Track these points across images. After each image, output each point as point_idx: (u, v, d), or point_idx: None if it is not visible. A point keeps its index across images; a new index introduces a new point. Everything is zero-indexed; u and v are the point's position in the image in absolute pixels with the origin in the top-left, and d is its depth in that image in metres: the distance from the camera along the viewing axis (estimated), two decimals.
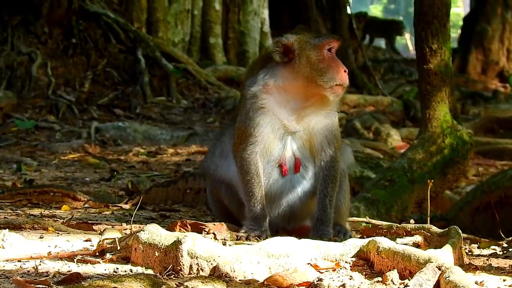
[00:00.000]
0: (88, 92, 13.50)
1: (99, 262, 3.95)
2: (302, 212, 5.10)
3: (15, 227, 4.82)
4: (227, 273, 3.76)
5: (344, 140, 7.06)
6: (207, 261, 3.80)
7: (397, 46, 29.99)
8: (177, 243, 3.82)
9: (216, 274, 3.75)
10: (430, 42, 6.36)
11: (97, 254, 4.09)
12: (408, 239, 4.43)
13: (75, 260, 3.98)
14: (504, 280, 3.75)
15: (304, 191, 5.04)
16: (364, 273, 3.88)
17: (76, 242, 4.48)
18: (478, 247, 5.31)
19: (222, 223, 4.94)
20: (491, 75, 22.88)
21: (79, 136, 11.50)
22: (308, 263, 3.93)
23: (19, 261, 3.95)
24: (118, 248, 4.10)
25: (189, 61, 15.17)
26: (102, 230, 4.62)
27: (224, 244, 4.40)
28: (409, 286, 3.55)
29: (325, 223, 4.95)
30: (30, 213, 5.77)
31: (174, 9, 16.54)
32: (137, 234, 4.00)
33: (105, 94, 13.62)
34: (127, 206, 6.33)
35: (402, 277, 3.73)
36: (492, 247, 5.26)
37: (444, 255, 3.80)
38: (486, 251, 5.12)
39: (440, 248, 3.91)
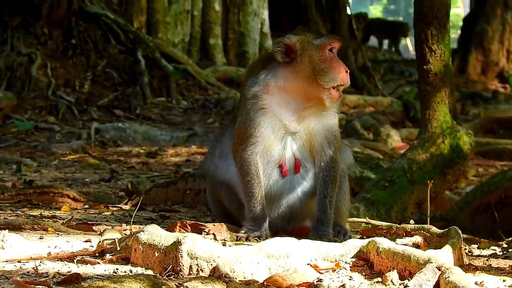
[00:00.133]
0: (88, 93, 13.50)
1: (99, 263, 3.95)
2: (302, 212, 5.10)
3: (15, 227, 4.82)
4: (227, 274, 3.76)
5: (344, 140, 7.06)
6: (207, 261, 3.80)
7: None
8: (177, 244, 3.82)
9: (216, 274, 3.75)
10: (430, 42, 6.36)
11: (97, 254, 4.09)
12: (408, 240, 4.43)
13: (75, 260, 3.98)
14: (504, 281, 3.75)
15: (304, 191, 5.04)
16: (364, 273, 3.88)
17: (76, 242, 4.48)
18: (478, 248, 5.31)
19: (222, 223, 4.94)
20: (491, 75, 22.89)
21: (79, 137, 11.50)
22: (308, 264, 3.93)
23: (19, 261, 3.95)
24: (118, 248, 4.10)
25: (189, 62, 15.17)
26: (102, 231, 4.62)
27: (224, 244, 4.41)
28: (408, 286, 3.55)
29: (325, 224, 4.95)
30: (30, 213, 5.77)
31: (174, 9, 16.54)
32: (137, 234, 4.00)
33: (105, 95, 13.62)
34: (127, 207, 6.33)
35: (401, 277, 3.73)
36: (492, 247, 5.26)
37: (444, 255, 3.80)
38: (486, 252, 5.12)
39: (440, 248, 3.91)
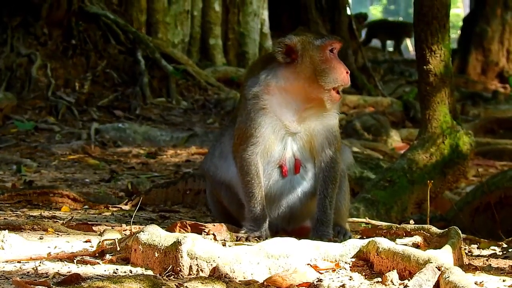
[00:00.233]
0: (88, 93, 13.50)
1: (98, 263, 3.95)
2: (302, 213, 5.10)
3: (15, 228, 4.82)
4: (227, 274, 3.76)
5: (344, 141, 7.07)
6: (206, 261, 3.80)
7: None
8: (176, 244, 3.82)
9: (216, 274, 3.75)
10: (429, 42, 6.36)
11: (97, 255, 4.09)
12: (407, 240, 4.43)
13: (74, 261, 3.98)
14: (503, 281, 3.75)
15: (304, 192, 5.04)
16: (363, 273, 3.88)
17: (75, 243, 4.48)
18: (478, 248, 5.31)
19: (222, 224, 4.94)
20: (490, 75, 22.88)
21: (79, 137, 11.49)
22: (307, 264, 3.93)
23: (19, 262, 3.95)
24: (118, 249, 4.10)
25: (189, 62, 15.17)
26: (101, 231, 4.62)
27: (224, 245, 4.41)
28: (408, 286, 3.55)
29: (325, 224, 4.95)
30: (30, 214, 5.77)
31: (174, 10, 16.53)
32: (137, 235, 4.00)
33: (105, 95, 13.62)
34: (127, 207, 6.33)
35: (401, 277, 3.73)
36: (492, 247, 5.26)
37: (444, 255, 3.80)
38: (485, 252, 5.12)
39: (439, 248, 3.91)
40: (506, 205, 7.01)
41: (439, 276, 3.57)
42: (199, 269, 3.79)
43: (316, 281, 3.74)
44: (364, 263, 3.97)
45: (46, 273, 3.76)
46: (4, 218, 5.30)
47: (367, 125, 13.65)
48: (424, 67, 6.41)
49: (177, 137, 11.90)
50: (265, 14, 17.89)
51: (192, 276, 3.75)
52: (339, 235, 5.05)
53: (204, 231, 4.78)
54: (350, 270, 3.93)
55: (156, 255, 3.88)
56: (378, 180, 6.56)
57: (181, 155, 10.75)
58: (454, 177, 6.65)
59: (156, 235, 3.95)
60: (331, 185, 4.98)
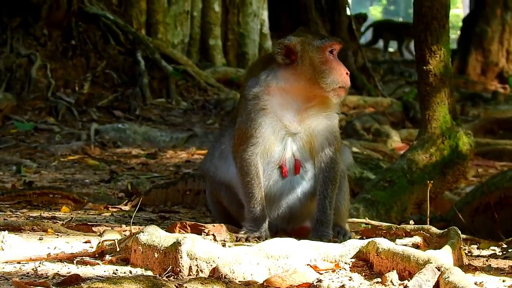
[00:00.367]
0: (88, 94, 13.50)
1: (98, 264, 3.95)
2: (301, 213, 5.10)
3: (15, 228, 4.82)
4: (227, 274, 3.76)
5: (344, 141, 7.07)
6: (206, 262, 3.80)
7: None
8: (176, 245, 3.82)
9: (215, 275, 3.75)
10: (429, 43, 6.36)
11: (97, 255, 4.09)
12: (407, 240, 4.43)
13: (74, 261, 3.98)
14: (503, 281, 3.75)
15: (303, 192, 5.04)
16: (363, 274, 3.88)
17: (75, 243, 4.48)
18: (478, 248, 5.31)
19: (222, 224, 4.94)
20: (490, 76, 22.87)
21: (79, 138, 11.49)
22: (307, 264, 3.93)
23: (19, 262, 3.95)
24: (118, 249, 4.10)
25: (189, 63, 15.17)
26: (101, 232, 4.62)
27: (224, 245, 4.41)
28: (408, 287, 3.55)
29: (324, 224, 4.95)
30: (30, 214, 5.77)
31: (174, 10, 16.53)
32: (137, 235, 4.00)
33: (105, 96, 13.62)
34: (126, 208, 6.33)
35: (401, 278, 3.73)
36: (492, 248, 5.26)
37: (444, 256, 3.80)
38: (485, 252, 5.12)
39: (439, 249, 3.91)
40: (506, 205, 7.01)
41: (439, 276, 3.56)
42: (198, 270, 3.79)
43: (316, 282, 3.74)
44: (364, 264, 3.97)
45: (46, 273, 3.76)
46: (4, 219, 5.30)
47: (367, 126, 13.65)
48: (424, 67, 6.40)
49: (177, 138, 11.90)
50: (264, 15, 17.89)
51: (191, 277, 3.75)
52: (339, 236, 5.05)
53: (204, 232, 4.78)
54: (350, 270, 3.93)
55: (156, 255, 3.88)
56: (378, 181, 6.56)
57: (181, 156, 10.75)
58: (454, 178, 6.65)
59: (155, 235, 3.95)
60: (331, 185, 4.98)
